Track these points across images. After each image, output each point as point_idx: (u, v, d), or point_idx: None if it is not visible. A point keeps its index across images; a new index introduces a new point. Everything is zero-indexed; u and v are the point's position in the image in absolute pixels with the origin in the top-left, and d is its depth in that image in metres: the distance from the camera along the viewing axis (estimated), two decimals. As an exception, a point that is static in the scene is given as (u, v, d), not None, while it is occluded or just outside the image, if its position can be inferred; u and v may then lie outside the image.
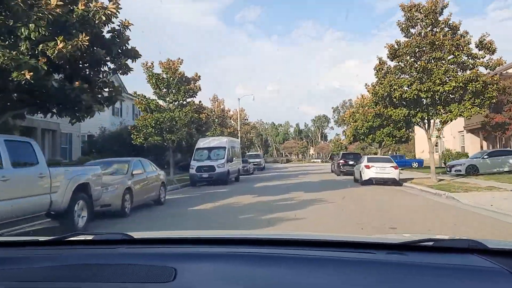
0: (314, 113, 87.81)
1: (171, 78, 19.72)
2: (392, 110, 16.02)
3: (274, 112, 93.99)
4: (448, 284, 1.00)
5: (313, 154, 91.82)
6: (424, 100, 15.30)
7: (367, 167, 16.29)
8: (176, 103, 20.37)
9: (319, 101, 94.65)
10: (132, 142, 20.32)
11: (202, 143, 19.67)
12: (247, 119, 45.03)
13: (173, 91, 20.02)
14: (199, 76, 20.77)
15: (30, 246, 1.37)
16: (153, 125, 19.48)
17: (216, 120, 29.98)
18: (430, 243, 1.18)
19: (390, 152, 41.99)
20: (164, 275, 1.05)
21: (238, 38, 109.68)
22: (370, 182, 16.16)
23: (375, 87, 16.25)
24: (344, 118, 27.73)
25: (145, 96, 20.07)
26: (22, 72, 5.99)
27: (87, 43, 6.76)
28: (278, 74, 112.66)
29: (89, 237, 1.41)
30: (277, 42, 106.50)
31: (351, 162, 24.14)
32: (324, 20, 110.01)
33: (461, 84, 14.04)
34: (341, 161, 24.37)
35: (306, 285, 1.01)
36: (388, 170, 16.08)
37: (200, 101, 21.44)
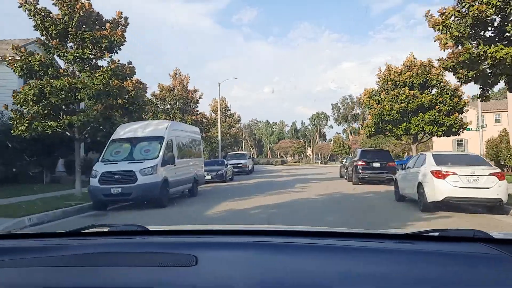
0: (311, 114, 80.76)
1: (68, 16, 11.08)
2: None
3: (271, 113, 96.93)
4: (455, 269, 1.03)
5: (310, 155, 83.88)
6: None
7: (439, 174, 7.72)
8: (87, 63, 11.76)
9: (316, 102, 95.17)
10: (12, 132, 11.71)
11: (123, 131, 11.00)
12: (229, 110, 35.77)
13: (75, 39, 11.37)
14: (123, 17, 12.07)
15: (48, 237, 1.41)
16: (37, 98, 10.87)
17: (177, 103, 21.20)
18: (436, 234, 1.22)
19: (406, 153, 33.74)
20: (186, 261, 1.05)
21: (235, 40, 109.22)
22: (445, 204, 7.71)
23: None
24: (362, 100, 19.04)
25: (26, 49, 11.38)
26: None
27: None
28: (275, 76, 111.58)
29: (105, 229, 1.42)
30: (273, 43, 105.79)
31: (376, 165, 15.62)
32: (320, 22, 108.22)
33: None
34: (361, 162, 15.73)
35: (320, 271, 1.04)
36: (486, 182, 7.54)
37: (131, 62, 12.40)
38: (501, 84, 9.25)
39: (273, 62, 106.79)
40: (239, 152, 34.05)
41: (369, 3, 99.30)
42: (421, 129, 16.55)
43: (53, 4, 11.26)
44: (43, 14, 11.11)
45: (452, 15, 7.94)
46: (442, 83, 16.93)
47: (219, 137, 28.40)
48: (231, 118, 35.62)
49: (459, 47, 8.01)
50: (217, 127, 28.68)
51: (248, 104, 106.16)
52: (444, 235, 1.21)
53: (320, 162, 64.54)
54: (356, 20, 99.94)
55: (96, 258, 1.13)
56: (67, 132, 11.93)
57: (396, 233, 1.31)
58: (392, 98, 16.80)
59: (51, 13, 11.31)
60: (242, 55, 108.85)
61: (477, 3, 7.29)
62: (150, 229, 1.34)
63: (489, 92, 9.56)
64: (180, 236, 1.34)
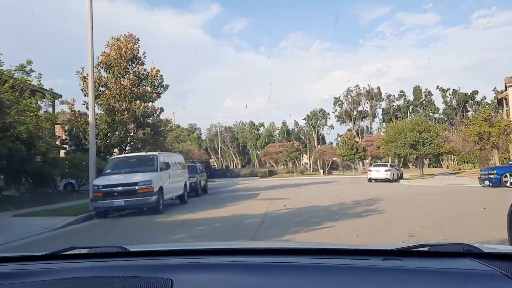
0: (308, 112, 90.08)
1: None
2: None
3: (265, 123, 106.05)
4: (445, 287, 1.21)
5: (307, 164, 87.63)
6: None
7: None
8: None
9: (309, 111, 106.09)
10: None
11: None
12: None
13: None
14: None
15: (24, 261, 1.67)
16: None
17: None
18: (425, 249, 1.47)
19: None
20: (161, 286, 1.27)
21: (225, 51, 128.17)
22: None
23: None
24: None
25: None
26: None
27: None
28: (267, 86, 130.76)
29: (84, 251, 1.71)
30: (265, 53, 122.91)
31: None
32: (311, 31, 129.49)
33: None
34: None
35: None
36: None
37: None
38: None
39: (264, 72, 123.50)
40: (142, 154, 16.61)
41: (358, 12, 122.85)
42: None
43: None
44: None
45: None
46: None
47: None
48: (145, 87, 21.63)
49: None
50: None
51: (241, 114, 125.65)
52: (433, 250, 1.44)
53: (323, 172, 66.72)
54: (346, 29, 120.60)
55: (74, 283, 1.37)
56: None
57: (384, 249, 1.55)
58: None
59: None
60: (233, 66, 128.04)
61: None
62: (130, 250, 1.67)
63: None
64: (159, 257, 1.62)
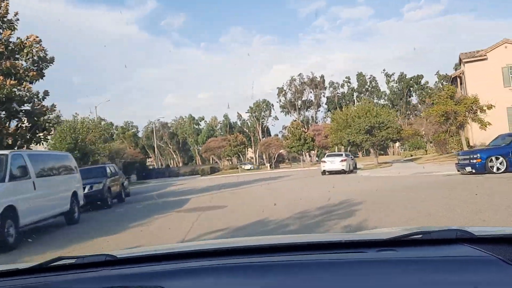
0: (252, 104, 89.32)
1: None
2: None
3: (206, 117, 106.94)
4: (440, 276, 1.19)
5: (252, 158, 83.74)
6: None
7: None
8: None
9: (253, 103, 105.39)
10: None
11: None
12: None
13: None
14: None
15: (9, 276, 1.57)
16: None
17: None
18: (419, 236, 1.44)
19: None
20: None
21: (164, 47, 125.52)
22: None
23: None
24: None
25: None
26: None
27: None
28: (209, 81, 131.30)
29: (71, 261, 1.60)
30: (205, 48, 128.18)
31: None
32: (251, 26, 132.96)
33: None
34: None
35: None
36: None
37: None
38: None
39: (206, 68, 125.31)
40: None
41: (295, 6, 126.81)
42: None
43: None
44: None
45: None
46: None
47: None
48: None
49: None
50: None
51: (184, 112, 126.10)
52: (426, 238, 1.43)
53: (270, 166, 63.43)
54: (286, 23, 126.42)
55: None
56: None
57: (378, 239, 1.54)
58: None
59: None
60: (174, 62, 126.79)
61: None
62: (118, 257, 1.57)
63: None
64: (148, 264, 1.52)
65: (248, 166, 63.60)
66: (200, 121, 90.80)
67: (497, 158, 16.89)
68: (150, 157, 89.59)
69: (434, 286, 1.15)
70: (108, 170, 18.02)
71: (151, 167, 79.03)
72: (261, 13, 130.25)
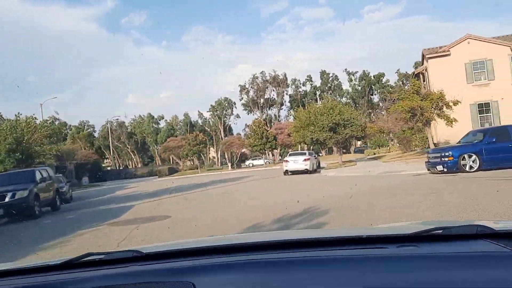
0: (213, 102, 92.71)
1: None
2: None
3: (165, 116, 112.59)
4: (462, 273, 1.17)
5: (214, 158, 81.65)
6: None
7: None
8: None
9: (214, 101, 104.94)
10: None
11: None
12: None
13: None
14: None
15: (38, 273, 1.56)
16: None
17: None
18: (440, 231, 1.42)
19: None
20: None
21: (124, 45, 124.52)
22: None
23: None
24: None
25: None
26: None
27: None
28: (171, 80, 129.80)
29: (100, 257, 1.60)
30: (167, 47, 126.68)
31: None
32: (214, 25, 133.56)
33: None
34: None
35: None
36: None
37: None
38: None
39: (168, 67, 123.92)
40: None
41: (259, 6, 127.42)
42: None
43: None
44: None
45: None
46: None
47: None
48: None
49: None
50: None
51: (146, 112, 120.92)
52: (447, 233, 1.40)
53: (232, 166, 61.37)
54: (249, 23, 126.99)
55: None
56: None
57: (399, 235, 1.52)
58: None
59: None
60: (134, 61, 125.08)
61: None
62: (145, 253, 1.56)
63: None
64: (176, 259, 1.50)
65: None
66: (160, 120, 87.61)
67: (469, 156, 15.76)
68: (107, 158, 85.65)
69: (456, 283, 1.14)
70: (37, 174, 15.54)
71: (108, 168, 75.40)
72: (223, 13, 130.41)
